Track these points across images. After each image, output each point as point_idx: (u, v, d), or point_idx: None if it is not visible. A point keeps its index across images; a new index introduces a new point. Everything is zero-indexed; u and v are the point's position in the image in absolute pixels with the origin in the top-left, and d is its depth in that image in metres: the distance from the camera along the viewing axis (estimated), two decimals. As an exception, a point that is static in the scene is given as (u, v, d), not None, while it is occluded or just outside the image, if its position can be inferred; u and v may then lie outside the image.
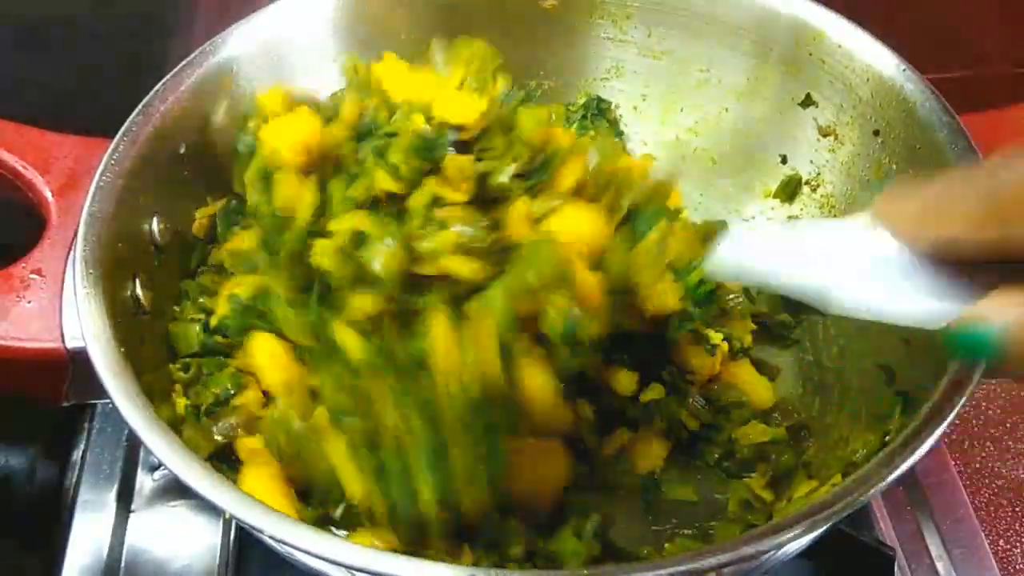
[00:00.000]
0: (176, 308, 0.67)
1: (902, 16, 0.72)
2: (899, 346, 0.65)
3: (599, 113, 0.84)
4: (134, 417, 0.54)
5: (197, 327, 0.65)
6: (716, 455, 0.68)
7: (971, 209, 0.43)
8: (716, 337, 0.69)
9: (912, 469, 0.50)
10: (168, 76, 0.69)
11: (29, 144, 0.68)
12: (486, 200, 0.59)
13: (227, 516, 0.52)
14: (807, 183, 0.78)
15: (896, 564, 0.70)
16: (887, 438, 0.58)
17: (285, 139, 0.59)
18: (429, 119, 0.58)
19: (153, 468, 0.79)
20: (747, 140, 0.81)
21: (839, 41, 0.72)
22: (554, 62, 0.84)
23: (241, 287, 0.63)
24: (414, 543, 0.56)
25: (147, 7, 1.04)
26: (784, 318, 0.75)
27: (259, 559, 0.74)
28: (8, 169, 0.68)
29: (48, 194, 0.66)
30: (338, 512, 0.59)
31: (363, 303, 0.56)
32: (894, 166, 0.70)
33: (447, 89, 0.61)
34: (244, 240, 0.65)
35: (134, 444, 0.79)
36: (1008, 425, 0.89)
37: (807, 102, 0.76)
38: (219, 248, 0.69)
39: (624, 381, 0.65)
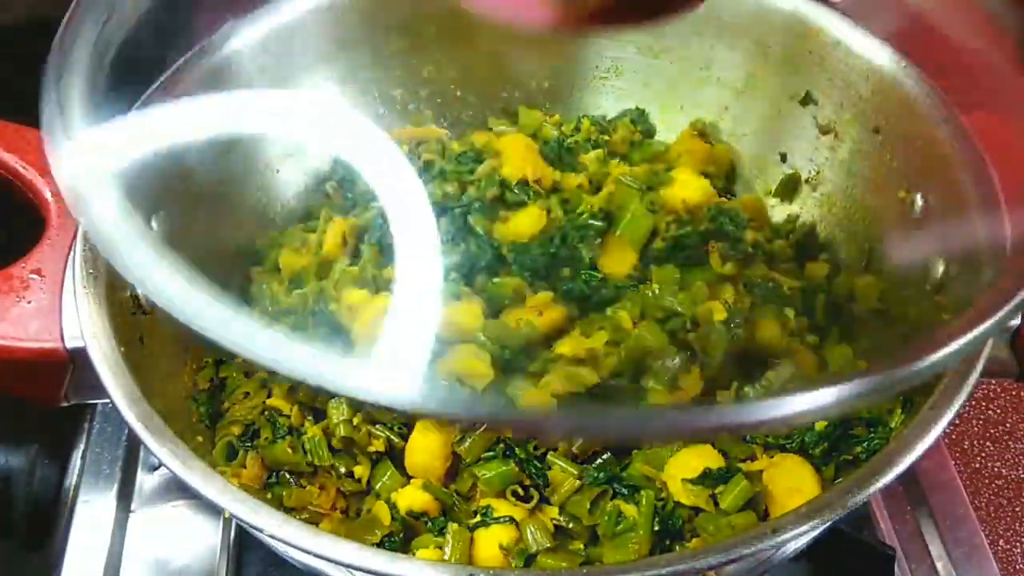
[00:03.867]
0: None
1: (902, 15, 0.72)
2: (898, 344, 0.65)
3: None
4: (133, 417, 0.54)
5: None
6: None
7: None
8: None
9: (912, 469, 0.50)
10: (166, 75, 0.69)
11: (29, 144, 0.68)
12: None
13: (227, 516, 0.52)
14: (807, 181, 0.78)
15: (896, 564, 0.70)
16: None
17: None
18: None
19: (153, 468, 0.79)
20: (746, 139, 0.81)
21: (839, 38, 0.72)
22: (553, 62, 0.84)
23: None
24: None
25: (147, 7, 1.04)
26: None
27: (259, 559, 0.74)
28: (8, 169, 0.68)
29: (48, 194, 0.66)
30: None
31: None
32: (894, 163, 0.70)
33: None
34: None
35: (134, 444, 0.79)
36: (1008, 425, 0.89)
37: (806, 100, 0.76)
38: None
39: None
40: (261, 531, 0.49)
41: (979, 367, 0.54)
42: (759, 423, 0.43)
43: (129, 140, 0.64)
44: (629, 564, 0.50)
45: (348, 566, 0.48)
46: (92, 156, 0.46)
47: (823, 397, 0.38)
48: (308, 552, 0.48)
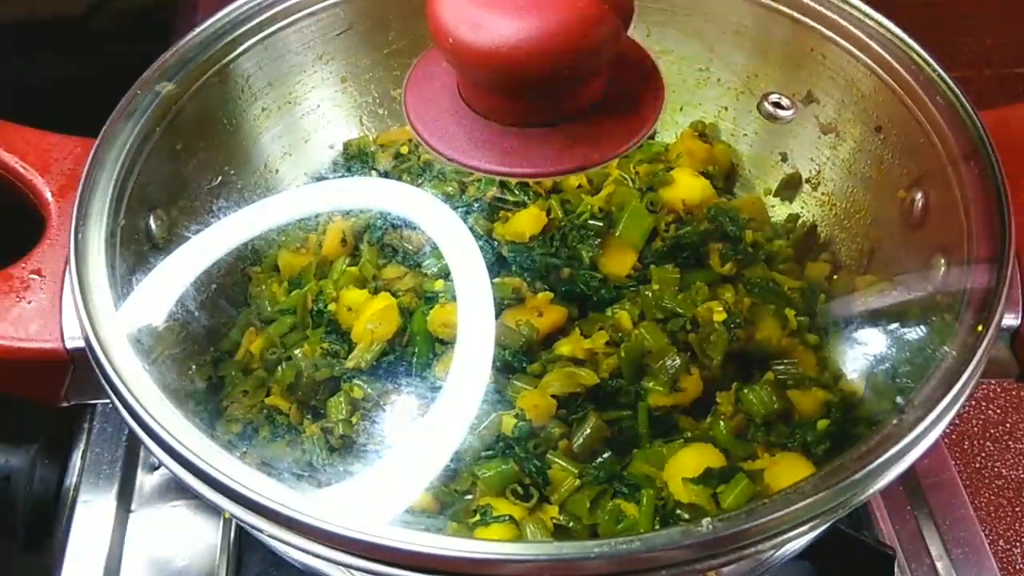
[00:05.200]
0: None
1: (903, 15, 0.72)
2: (899, 344, 0.65)
3: None
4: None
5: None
6: None
7: None
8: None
9: (912, 469, 0.50)
10: (162, 64, 0.69)
11: (29, 144, 0.68)
12: None
13: (227, 516, 0.52)
14: (807, 181, 0.78)
15: (896, 564, 0.70)
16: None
17: None
18: None
19: (153, 468, 0.79)
20: (746, 139, 0.81)
21: (841, 35, 0.71)
22: (554, 61, 0.84)
23: None
24: None
25: (147, 7, 1.04)
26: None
27: (259, 559, 0.74)
28: (8, 169, 0.68)
29: (48, 194, 0.66)
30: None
31: None
32: (896, 162, 0.69)
33: None
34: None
35: (134, 444, 0.79)
36: (1008, 425, 0.89)
37: (808, 99, 0.76)
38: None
39: None
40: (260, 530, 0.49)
41: (980, 368, 0.53)
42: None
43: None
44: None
45: (348, 565, 0.48)
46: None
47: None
48: (310, 552, 0.48)
